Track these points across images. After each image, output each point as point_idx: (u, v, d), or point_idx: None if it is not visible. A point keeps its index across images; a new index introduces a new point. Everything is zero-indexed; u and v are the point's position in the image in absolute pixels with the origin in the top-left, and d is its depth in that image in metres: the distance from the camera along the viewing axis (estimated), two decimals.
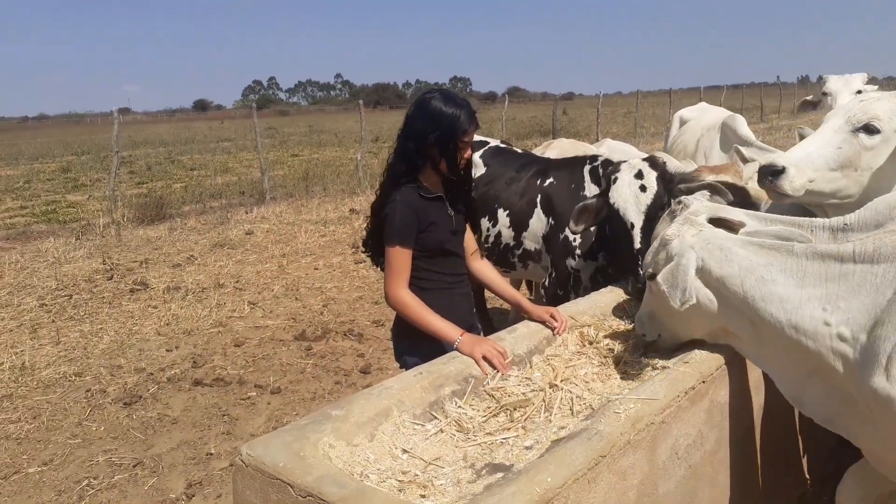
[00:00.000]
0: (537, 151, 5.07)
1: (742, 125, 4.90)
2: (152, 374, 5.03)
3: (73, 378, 4.98)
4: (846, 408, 2.00)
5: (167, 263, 8.30)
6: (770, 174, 2.58)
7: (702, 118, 5.94)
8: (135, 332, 5.92)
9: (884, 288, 1.86)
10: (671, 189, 3.06)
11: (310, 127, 40.09)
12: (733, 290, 2.12)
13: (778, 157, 2.66)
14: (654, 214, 2.96)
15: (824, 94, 5.16)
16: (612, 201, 3.06)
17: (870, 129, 2.60)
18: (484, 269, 2.88)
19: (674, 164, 3.26)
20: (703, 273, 2.18)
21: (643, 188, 3.02)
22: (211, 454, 3.93)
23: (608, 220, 3.13)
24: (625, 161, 3.19)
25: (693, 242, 2.22)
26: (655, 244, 2.39)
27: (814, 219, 2.44)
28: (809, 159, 2.60)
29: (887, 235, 1.94)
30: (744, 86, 37.19)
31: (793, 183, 2.55)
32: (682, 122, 6.31)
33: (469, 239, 2.82)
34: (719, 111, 6.11)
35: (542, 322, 2.68)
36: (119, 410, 4.47)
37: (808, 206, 2.83)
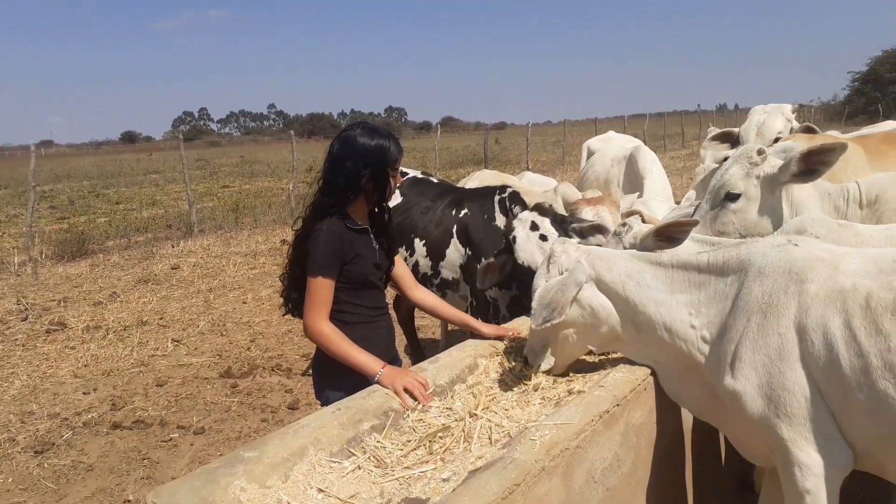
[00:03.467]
0: (462, 182, 5.16)
1: (643, 157, 5.22)
2: (67, 418, 4.78)
3: None
4: (714, 401, 2.21)
5: (87, 301, 7.97)
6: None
7: (607, 149, 6.27)
8: (49, 376, 5.64)
9: (730, 297, 2.10)
10: (566, 228, 3.17)
11: (241, 158, 39.50)
12: (618, 294, 2.29)
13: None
14: None
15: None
16: (520, 260, 3.11)
17: (731, 197, 2.93)
18: (426, 297, 2.89)
19: (573, 194, 3.39)
20: (598, 282, 2.32)
21: (543, 237, 3.09)
22: (129, 501, 3.75)
23: (519, 274, 3.15)
24: (514, 218, 3.24)
25: (578, 256, 2.36)
26: (543, 266, 2.44)
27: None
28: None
29: (735, 249, 2.17)
30: (666, 114, 38.72)
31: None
32: (591, 153, 6.62)
33: (404, 268, 2.83)
34: (623, 141, 6.44)
35: (499, 338, 2.78)
36: (29, 459, 4.22)
37: None
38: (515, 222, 3.19)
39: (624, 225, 2.78)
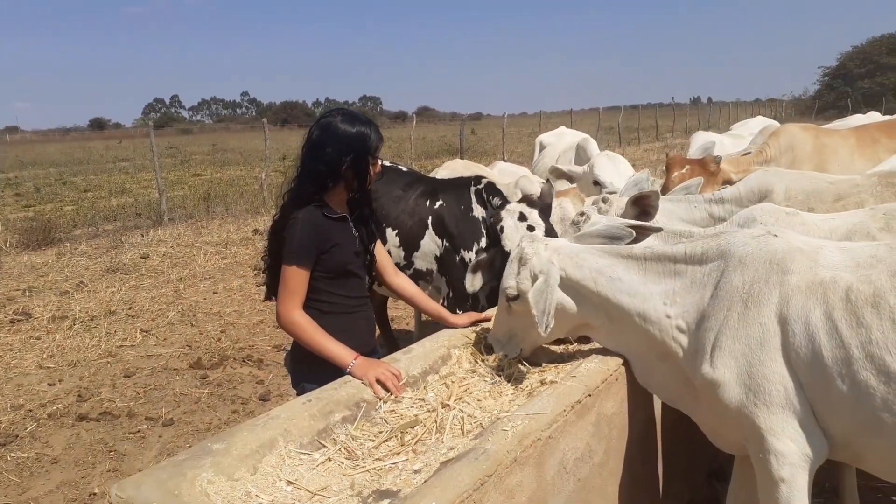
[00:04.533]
0: (433, 172, 5.16)
1: (593, 147, 5.56)
2: (31, 410, 4.68)
3: None
4: (686, 389, 2.24)
5: (54, 291, 7.80)
6: None
7: (558, 143, 6.56)
8: (13, 367, 5.50)
9: (709, 286, 2.11)
10: (547, 218, 3.18)
11: (213, 146, 38.96)
12: (589, 289, 2.32)
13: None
14: None
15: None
16: (508, 250, 3.07)
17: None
18: (405, 284, 2.89)
19: (533, 189, 3.42)
20: (561, 280, 2.33)
21: (531, 228, 3.07)
22: (94, 494, 3.68)
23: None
24: (503, 209, 3.21)
25: (550, 256, 2.35)
26: (514, 266, 2.44)
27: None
28: None
29: (713, 239, 2.20)
30: (640, 106, 38.98)
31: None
32: (542, 147, 6.94)
33: (384, 256, 2.82)
34: (574, 135, 6.73)
35: (474, 324, 2.81)
36: None
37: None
38: (503, 213, 3.16)
39: (582, 214, 2.82)
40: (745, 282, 2.02)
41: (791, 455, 1.92)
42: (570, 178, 5.15)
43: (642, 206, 3.16)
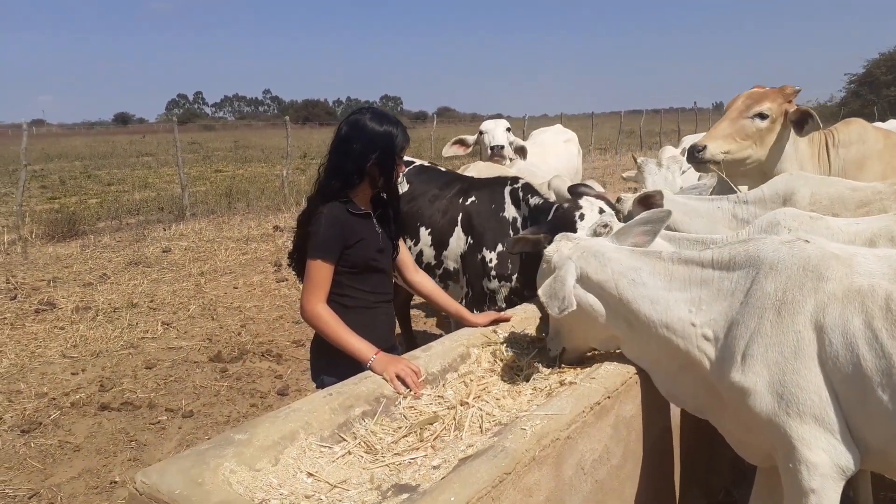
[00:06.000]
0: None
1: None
2: (55, 398, 4.76)
3: None
4: (712, 398, 2.20)
5: (77, 282, 7.92)
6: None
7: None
8: (38, 355, 5.60)
9: (738, 293, 2.07)
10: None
11: (235, 142, 39.23)
12: (610, 292, 2.27)
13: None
14: None
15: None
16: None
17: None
18: (425, 281, 2.92)
19: (567, 185, 3.45)
20: (583, 280, 2.30)
21: (605, 225, 2.99)
22: (115, 482, 3.74)
23: None
24: (580, 199, 3.13)
25: (570, 254, 2.34)
26: (542, 264, 2.46)
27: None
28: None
29: (741, 245, 2.15)
30: (662, 110, 38.68)
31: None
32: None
33: (405, 253, 2.85)
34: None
35: (493, 323, 2.83)
36: (16, 438, 4.20)
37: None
38: (583, 202, 3.09)
39: (605, 226, 2.81)
40: (778, 289, 1.97)
41: (822, 466, 1.88)
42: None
43: (647, 204, 3.31)
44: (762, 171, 3.90)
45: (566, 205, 3.17)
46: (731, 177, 3.91)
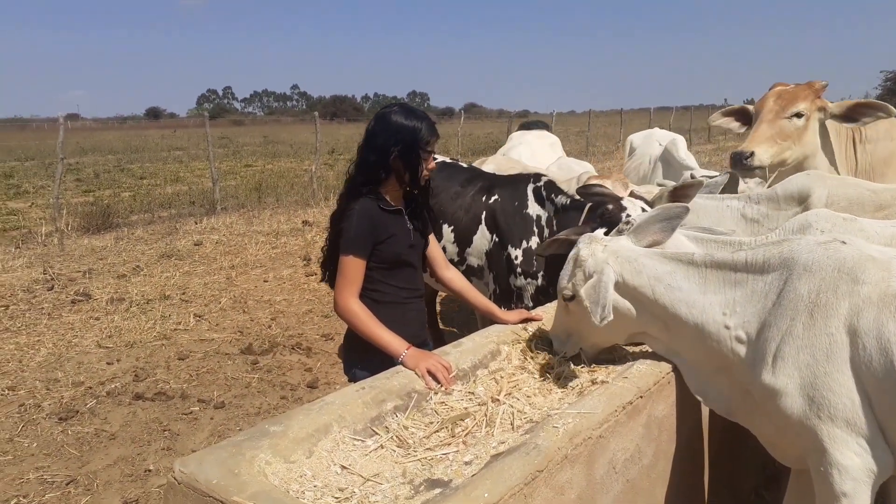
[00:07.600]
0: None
1: (681, 147, 5.37)
2: (91, 387, 4.87)
3: (6, 392, 4.79)
4: (744, 400, 2.20)
5: (112, 274, 8.08)
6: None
7: (646, 149, 6.39)
8: (74, 345, 5.73)
9: (771, 295, 2.06)
10: None
11: (265, 137, 39.65)
12: (647, 297, 2.27)
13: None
14: None
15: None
16: None
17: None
18: (455, 278, 2.92)
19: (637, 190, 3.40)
20: (618, 285, 2.29)
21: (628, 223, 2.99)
22: (149, 471, 3.81)
23: None
24: (624, 201, 3.13)
25: (606, 258, 2.31)
26: (569, 266, 2.43)
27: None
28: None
29: (776, 247, 2.12)
30: (692, 107, 38.13)
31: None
32: (632, 149, 6.78)
33: (436, 249, 2.86)
34: (662, 137, 6.52)
35: (524, 322, 2.81)
36: (54, 426, 4.31)
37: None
38: (626, 202, 3.09)
39: (628, 223, 2.76)
40: (812, 290, 1.94)
41: (854, 469, 1.86)
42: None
43: (678, 197, 3.24)
44: (797, 170, 3.84)
45: (610, 206, 3.12)
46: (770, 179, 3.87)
